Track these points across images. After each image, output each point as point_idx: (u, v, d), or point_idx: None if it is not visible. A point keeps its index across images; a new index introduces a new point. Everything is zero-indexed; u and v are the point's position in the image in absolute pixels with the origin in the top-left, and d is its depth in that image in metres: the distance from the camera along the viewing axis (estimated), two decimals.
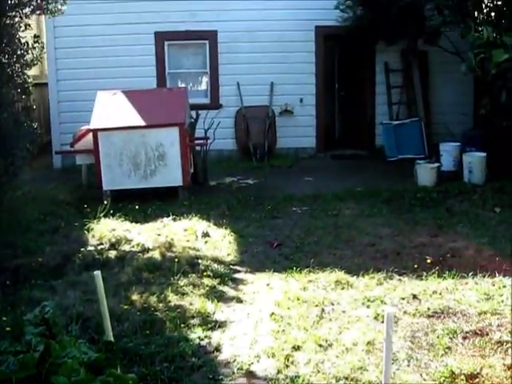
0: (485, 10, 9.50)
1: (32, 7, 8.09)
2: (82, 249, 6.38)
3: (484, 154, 9.58)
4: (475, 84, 11.58)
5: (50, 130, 12.25)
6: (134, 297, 5.09)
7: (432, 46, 11.40)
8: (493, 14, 9.03)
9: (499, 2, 8.82)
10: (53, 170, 11.73)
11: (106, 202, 8.11)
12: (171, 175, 8.75)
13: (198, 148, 9.76)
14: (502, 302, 4.87)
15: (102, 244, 6.60)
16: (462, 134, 11.06)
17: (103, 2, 11.80)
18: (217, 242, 6.67)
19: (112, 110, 9.04)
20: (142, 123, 8.73)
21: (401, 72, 12.50)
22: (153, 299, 5.02)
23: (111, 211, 7.66)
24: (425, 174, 9.44)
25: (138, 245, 6.49)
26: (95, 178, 8.94)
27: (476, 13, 9.47)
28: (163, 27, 12.04)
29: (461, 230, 7.07)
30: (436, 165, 9.67)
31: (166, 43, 12.22)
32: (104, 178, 8.76)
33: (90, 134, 8.86)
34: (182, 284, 5.37)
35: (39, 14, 9.37)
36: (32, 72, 7.99)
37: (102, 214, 7.52)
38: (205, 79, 12.53)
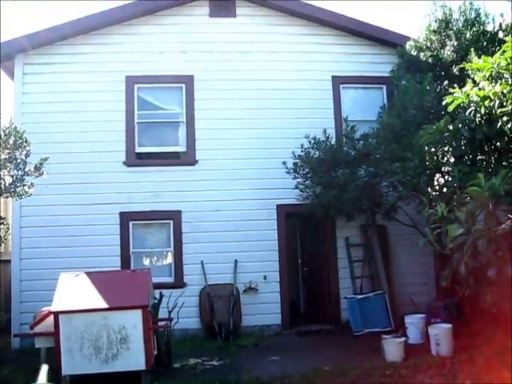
0: (437, 186, 9.97)
1: None
2: None
3: (449, 326, 9.57)
4: (435, 254, 11.86)
5: (10, 308, 11.97)
6: None
7: (390, 220, 11.80)
8: (445, 189, 9.45)
9: (449, 178, 9.27)
10: (11, 350, 11.28)
11: None
12: (134, 359, 8.43)
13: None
14: None
15: None
16: (426, 305, 11.11)
17: (69, 184, 12.10)
18: None
19: (74, 292, 8.90)
20: (105, 305, 8.56)
21: (362, 246, 12.79)
22: None
23: None
24: (392, 349, 9.32)
25: None
26: (54, 362, 8.60)
27: (429, 189, 9.93)
28: (128, 207, 12.30)
29: None
30: (403, 339, 9.58)
31: (130, 223, 12.40)
32: (63, 362, 8.40)
33: (51, 317, 8.63)
34: None
35: (6, 197, 9.56)
36: None
37: None
38: (169, 258, 12.59)
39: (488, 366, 8.03)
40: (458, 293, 8.24)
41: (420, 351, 9.51)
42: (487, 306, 7.56)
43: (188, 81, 12.87)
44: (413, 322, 10.40)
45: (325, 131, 11.98)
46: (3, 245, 12.45)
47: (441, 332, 9.44)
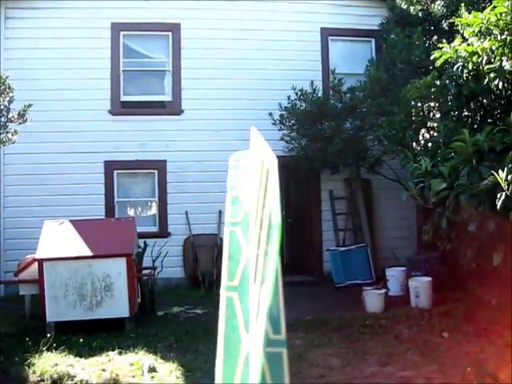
0: (422, 141, 10.00)
1: None
2: None
3: (429, 279, 9.77)
4: (417, 209, 11.98)
5: None
6: None
7: (374, 174, 11.86)
8: (430, 144, 9.48)
9: (435, 134, 9.29)
10: None
11: (49, 335, 7.83)
12: (118, 306, 8.55)
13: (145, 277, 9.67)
14: None
15: (43, 381, 6.31)
16: (407, 259, 11.29)
17: (53, 131, 11.94)
18: (164, 377, 6.44)
19: (59, 240, 8.94)
20: (89, 253, 8.62)
21: (346, 199, 12.87)
22: None
23: (54, 344, 7.37)
24: (373, 300, 9.52)
25: (81, 381, 6.23)
26: (39, 309, 8.68)
27: (414, 144, 9.96)
28: (113, 156, 12.22)
29: (410, 357, 7.04)
30: (383, 291, 9.78)
31: (115, 172, 12.35)
32: (48, 309, 8.49)
33: (35, 264, 8.68)
34: None
35: None
36: None
37: (44, 348, 7.24)
38: (153, 207, 12.62)
39: (465, 318, 8.24)
40: (439, 247, 8.38)
41: (400, 303, 9.73)
42: (467, 260, 7.70)
43: (175, 29, 12.66)
44: (394, 275, 10.59)
45: (312, 83, 11.91)
46: None
47: (420, 285, 9.64)
